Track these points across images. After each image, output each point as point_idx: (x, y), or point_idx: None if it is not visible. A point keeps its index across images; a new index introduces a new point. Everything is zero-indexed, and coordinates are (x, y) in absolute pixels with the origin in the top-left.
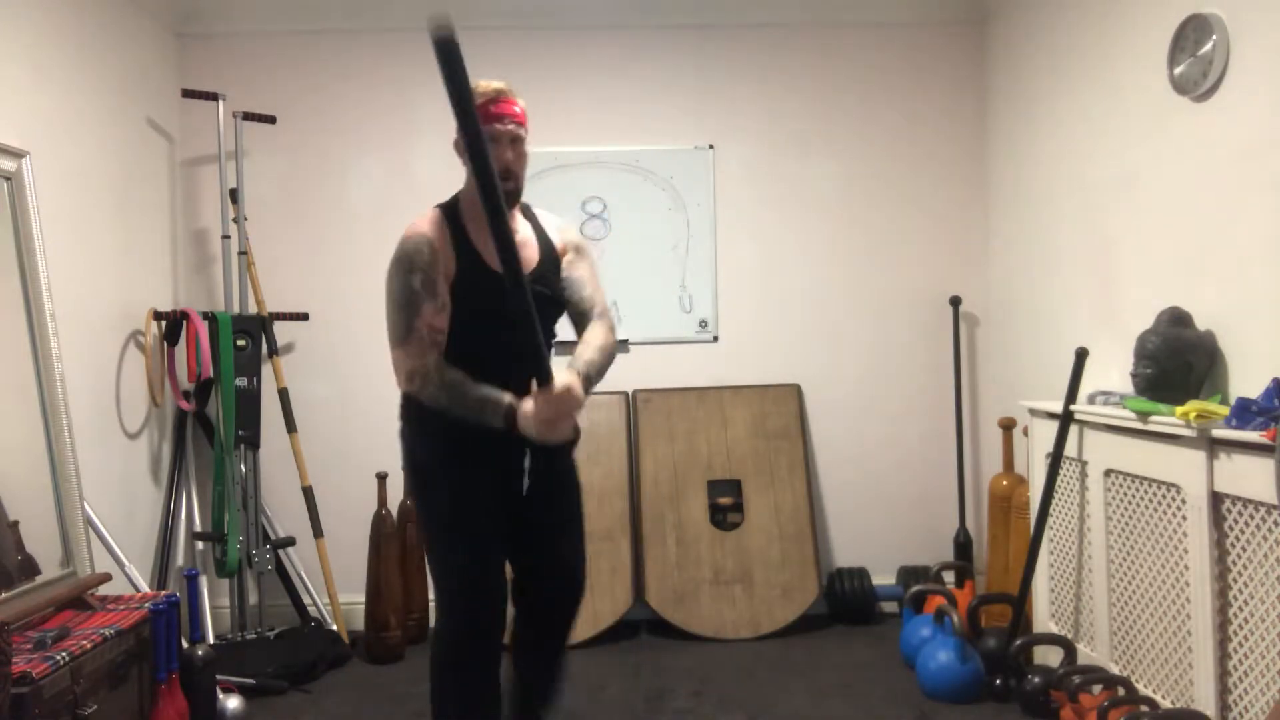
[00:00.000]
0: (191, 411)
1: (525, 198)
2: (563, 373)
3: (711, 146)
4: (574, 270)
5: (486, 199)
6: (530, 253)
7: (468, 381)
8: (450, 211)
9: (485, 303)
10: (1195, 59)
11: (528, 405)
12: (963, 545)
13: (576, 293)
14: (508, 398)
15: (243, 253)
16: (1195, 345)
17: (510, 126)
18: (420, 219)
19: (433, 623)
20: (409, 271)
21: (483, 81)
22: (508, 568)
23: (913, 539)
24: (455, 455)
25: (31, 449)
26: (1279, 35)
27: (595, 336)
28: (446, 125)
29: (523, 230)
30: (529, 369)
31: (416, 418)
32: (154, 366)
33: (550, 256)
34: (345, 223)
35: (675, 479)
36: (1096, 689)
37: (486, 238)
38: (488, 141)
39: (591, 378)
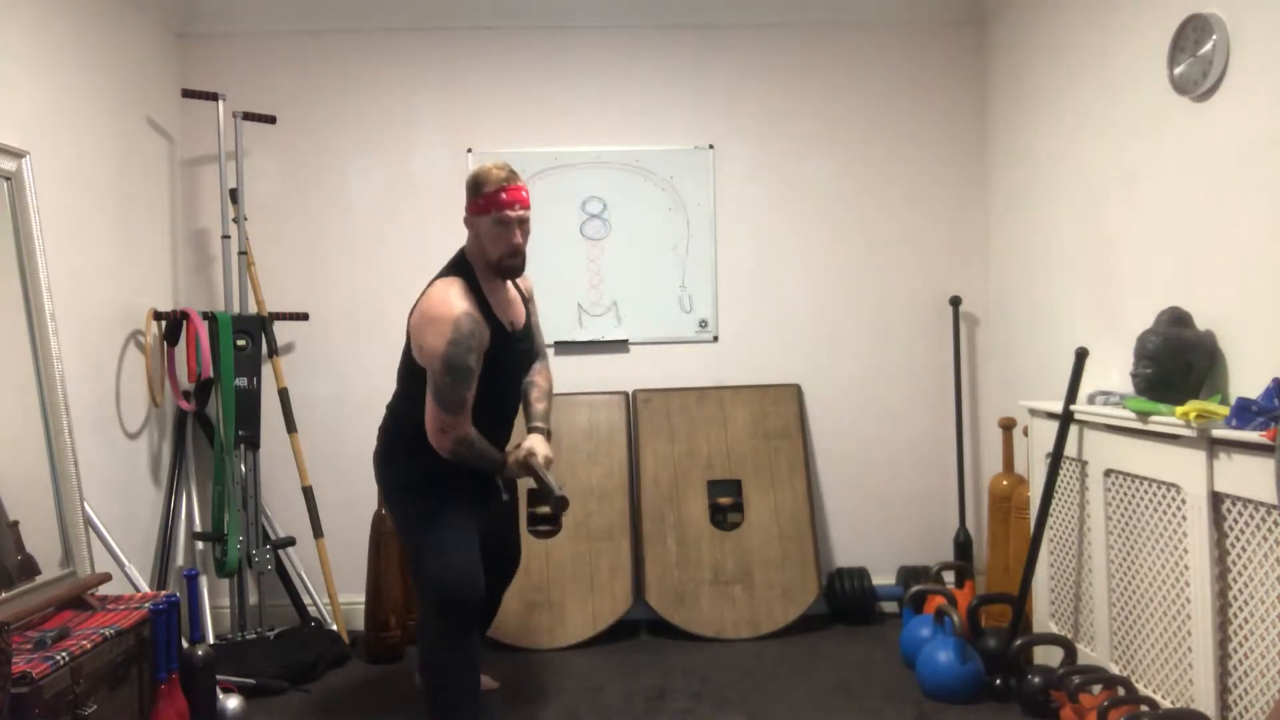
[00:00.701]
0: (191, 411)
1: (531, 197)
2: (531, 437)
3: (711, 146)
4: (532, 317)
5: None
6: (519, 310)
7: (488, 447)
8: (471, 281)
9: (504, 365)
10: (1195, 59)
11: (511, 459)
12: (963, 545)
13: (531, 339)
14: (501, 456)
15: (243, 253)
16: (1195, 345)
17: (520, 213)
18: (451, 289)
19: None
20: (468, 351)
21: (491, 169)
22: None
23: (913, 539)
24: (450, 472)
25: (31, 449)
26: (1279, 35)
27: (544, 382)
28: (446, 125)
29: (510, 289)
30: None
31: (419, 444)
32: (154, 366)
33: (527, 308)
34: (345, 223)
35: (675, 479)
36: (1096, 689)
37: (496, 302)
38: (498, 225)
39: (549, 427)
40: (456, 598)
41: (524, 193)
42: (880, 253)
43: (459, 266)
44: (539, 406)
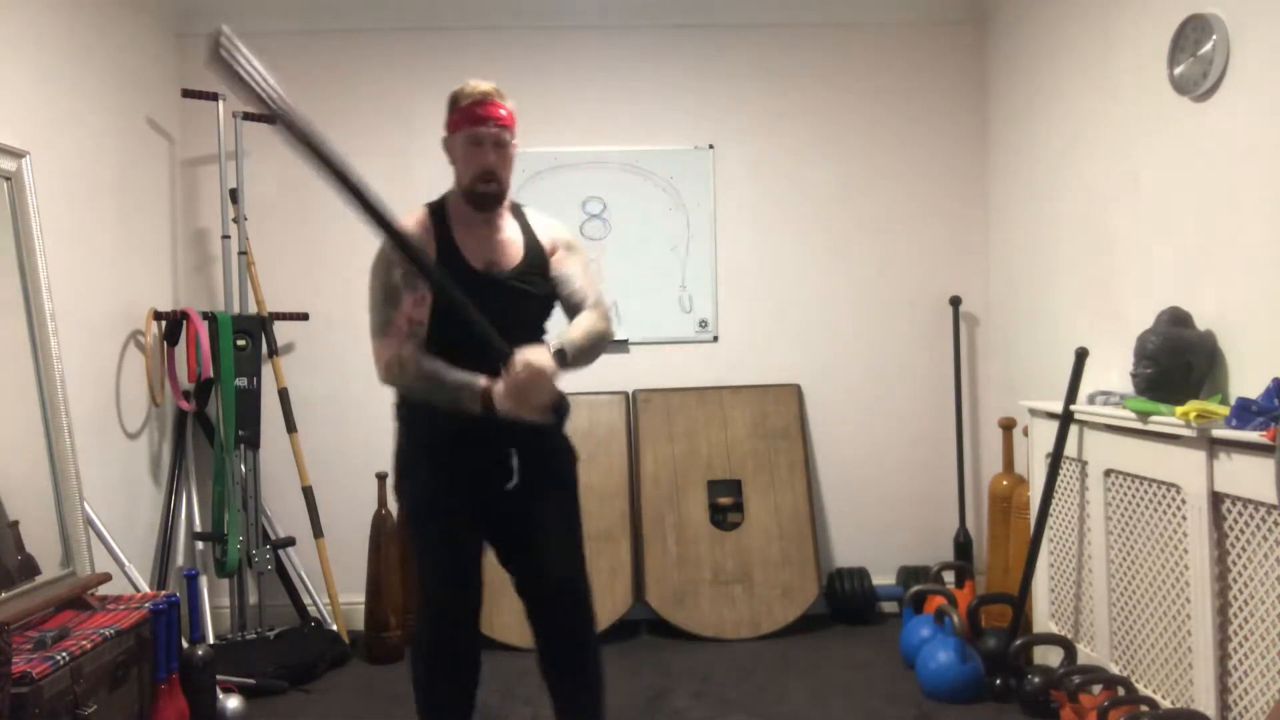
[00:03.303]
0: (191, 411)
1: (529, 198)
2: (535, 349)
3: (711, 146)
4: (563, 266)
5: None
6: (514, 250)
7: (444, 368)
8: (437, 209)
9: (476, 292)
10: (1195, 59)
11: (500, 384)
12: (963, 545)
13: (567, 287)
14: (482, 380)
15: (243, 253)
16: (1195, 345)
17: (494, 129)
18: (406, 216)
19: None
20: (389, 266)
21: (471, 82)
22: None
23: (913, 539)
24: (437, 454)
25: (31, 449)
26: (1279, 35)
27: (582, 320)
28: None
29: (508, 229)
30: (495, 357)
31: (406, 416)
32: (154, 366)
33: (536, 255)
34: (345, 223)
35: (675, 479)
36: (1096, 689)
37: (471, 238)
38: (470, 143)
39: (569, 353)
40: (423, 619)
41: (503, 110)
42: (880, 253)
43: (434, 201)
44: (566, 331)
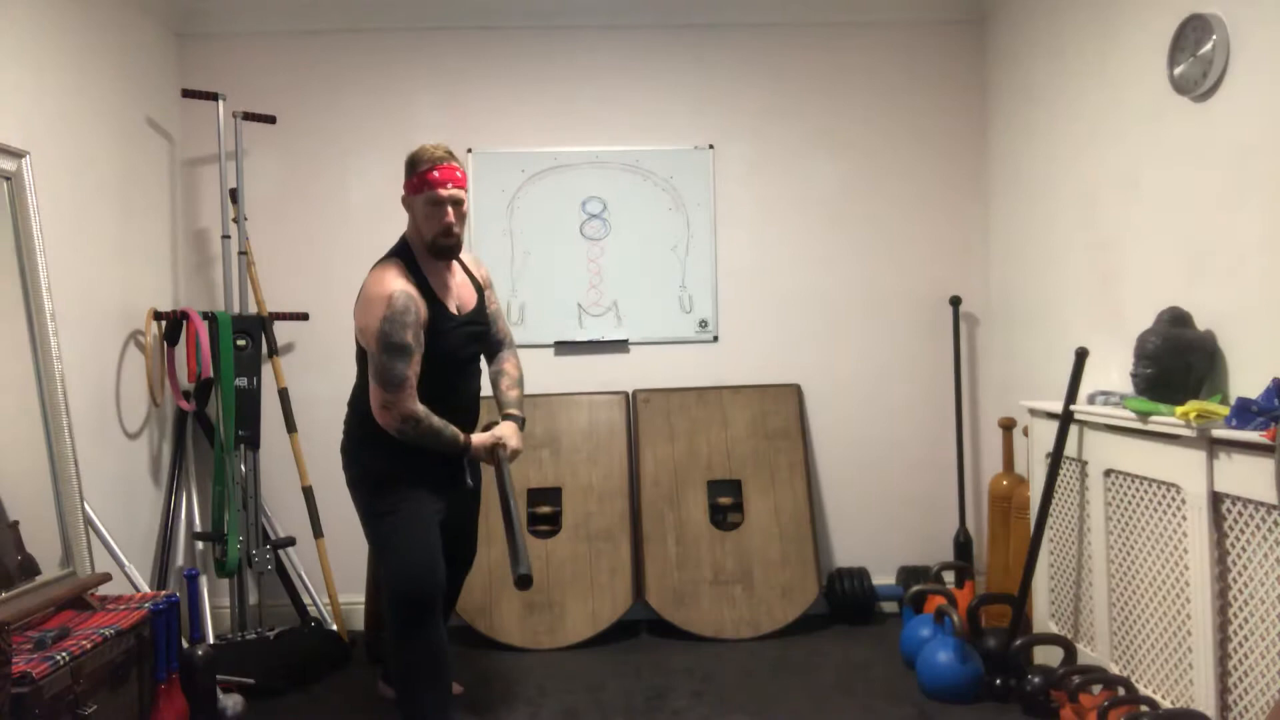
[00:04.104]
0: (191, 411)
1: (529, 198)
2: (502, 424)
3: (711, 146)
4: (491, 304)
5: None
6: (469, 293)
7: (441, 425)
8: (409, 262)
9: (448, 345)
10: (1195, 59)
11: (476, 440)
12: (963, 545)
13: (494, 325)
14: (463, 437)
15: (243, 253)
16: (1195, 345)
17: (452, 190)
18: (388, 272)
19: None
20: (402, 326)
21: (426, 146)
22: None
23: (913, 539)
24: (410, 464)
25: (31, 449)
26: (1279, 35)
27: (513, 369)
28: (446, 125)
29: (459, 273)
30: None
31: (373, 436)
32: (154, 366)
33: (480, 294)
34: (345, 223)
35: (675, 479)
36: (1096, 689)
37: (440, 284)
38: (430, 204)
39: (523, 415)
40: (415, 593)
41: (458, 173)
42: (880, 252)
43: (399, 250)
44: (511, 394)
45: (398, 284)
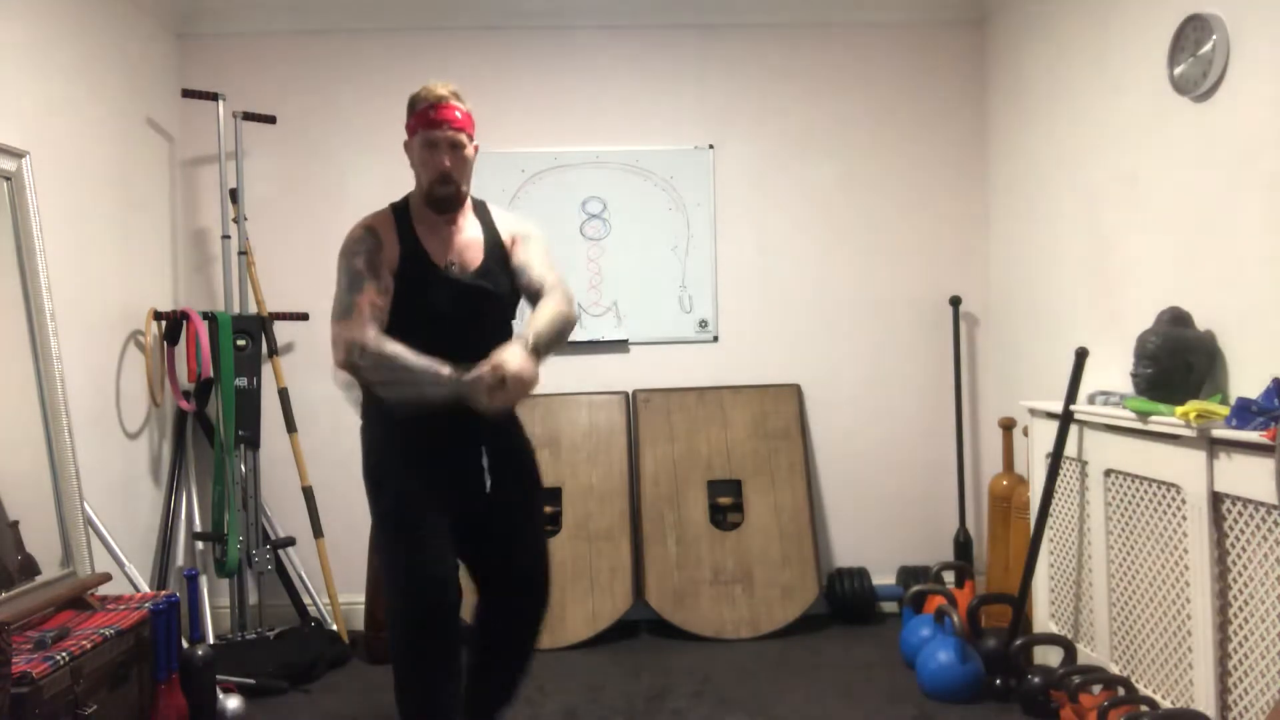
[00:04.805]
0: (191, 411)
1: (529, 197)
2: (511, 349)
3: (711, 146)
4: (521, 255)
5: None
6: (475, 249)
7: (407, 352)
8: (400, 208)
9: (425, 294)
10: (1195, 59)
11: (470, 374)
12: (963, 545)
13: (526, 275)
14: (448, 368)
15: (243, 253)
16: (1195, 345)
17: (449, 132)
18: (369, 215)
19: None
20: (352, 255)
21: (429, 85)
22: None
23: (913, 539)
24: (409, 453)
25: (31, 449)
26: (1279, 35)
27: (545, 306)
28: None
29: (469, 229)
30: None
31: (375, 416)
32: (154, 366)
33: (496, 250)
34: (345, 223)
35: (675, 479)
36: (1096, 689)
37: (434, 239)
38: (426, 147)
39: (540, 344)
40: (410, 623)
41: (458, 113)
42: (880, 252)
43: (395, 202)
44: (531, 321)
45: (361, 221)
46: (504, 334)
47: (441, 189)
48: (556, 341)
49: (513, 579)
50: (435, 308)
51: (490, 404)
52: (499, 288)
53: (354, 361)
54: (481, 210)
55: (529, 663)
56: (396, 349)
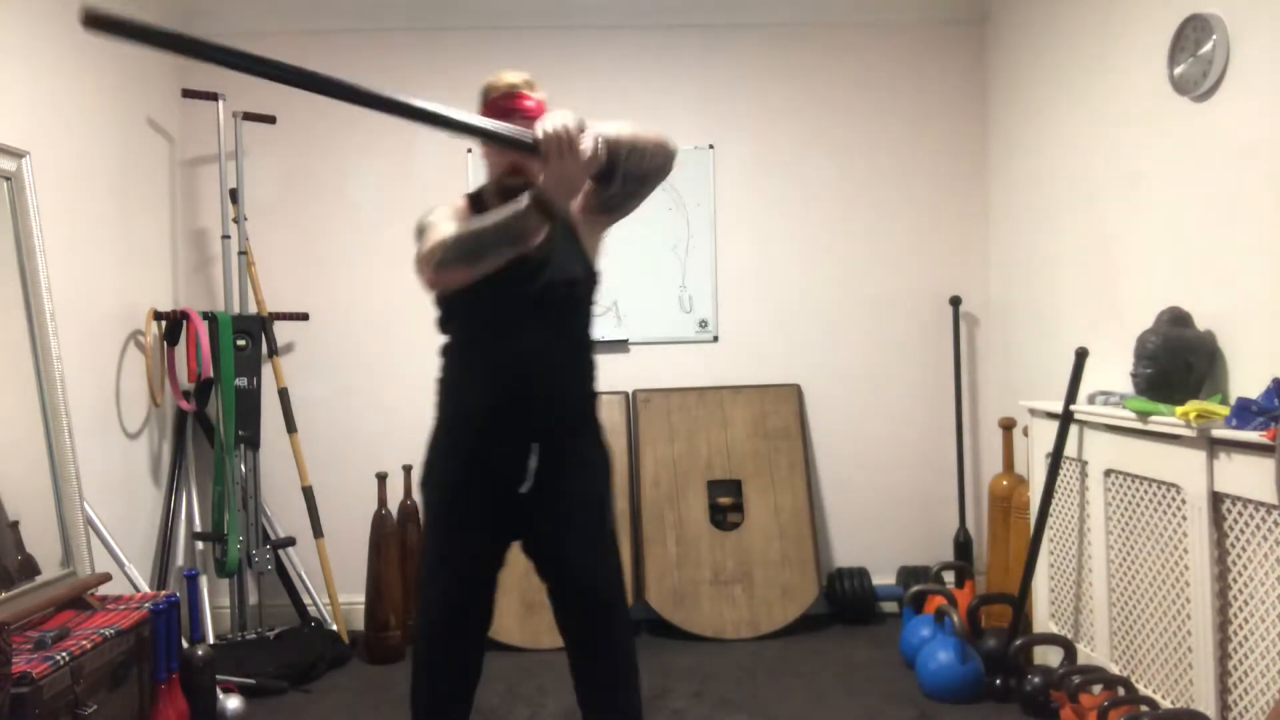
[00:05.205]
0: (191, 411)
1: None
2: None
3: (711, 146)
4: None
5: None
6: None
7: (484, 218)
8: (474, 197)
9: (516, 294)
10: (1195, 59)
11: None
12: (963, 545)
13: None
14: (524, 198)
15: (243, 253)
16: (1195, 345)
17: (519, 123)
18: (448, 203)
19: None
20: (427, 223)
21: (500, 74)
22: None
23: (913, 539)
24: (452, 451)
25: (31, 449)
26: (1279, 35)
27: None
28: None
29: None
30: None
31: (440, 401)
32: (154, 366)
33: (565, 233)
34: (345, 223)
35: (675, 479)
36: (1096, 689)
37: None
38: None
39: (609, 132)
40: (424, 620)
41: (529, 101)
42: (880, 253)
43: (473, 192)
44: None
45: (437, 205)
46: (579, 321)
47: (511, 180)
48: (635, 141)
49: (570, 594)
50: (513, 301)
51: (560, 183)
52: (569, 270)
53: (444, 260)
54: None
55: (624, 701)
56: (475, 222)
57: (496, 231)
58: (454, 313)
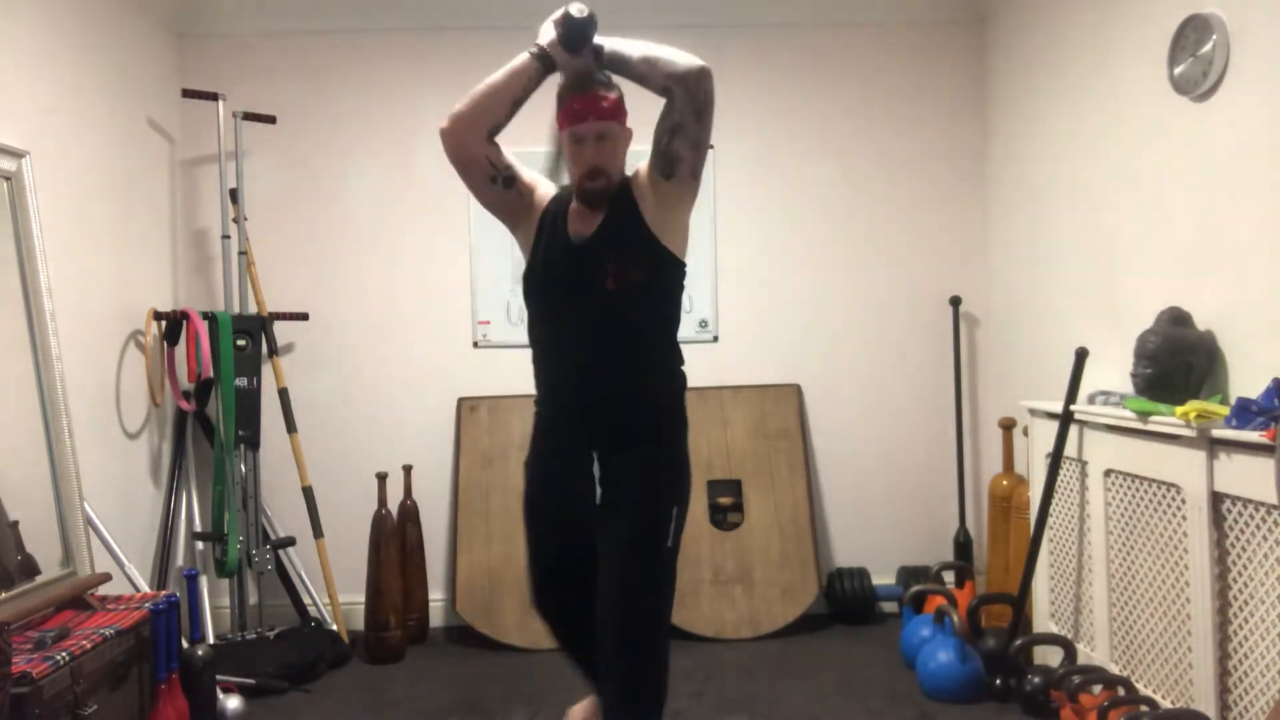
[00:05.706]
0: (191, 411)
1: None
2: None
3: (711, 146)
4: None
5: None
6: (590, 226)
7: (486, 79)
8: (562, 195)
9: (555, 263)
10: (1195, 59)
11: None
12: (963, 545)
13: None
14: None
15: (243, 253)
16: (1195, 345)
17: (594, 124)
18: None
19: (433, 622)
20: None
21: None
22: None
23: (913, 539)
24: (537, 450)
25: (31, 449)
26: (1279, 35)
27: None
28: None
29: (614, 220)
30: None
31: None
32: (154, 366)
33: (628, 219)
34: (345, 223)
35: None
36: (1096, 689)
37: (576, 221)
38: (573, 142)
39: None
40: (531, 587)
41: (603, 102)
42: (880, 253)
43: (562, 188)
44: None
45: None
46: (638, 313)
47: (590, 184)
48: (648, 52)
49: (602, 598)
50: (552, 265)
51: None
52: (621, 257)
53: (459, 120)
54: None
55: (628, 676)
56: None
57: (500, 86)
58: (532, 312)
